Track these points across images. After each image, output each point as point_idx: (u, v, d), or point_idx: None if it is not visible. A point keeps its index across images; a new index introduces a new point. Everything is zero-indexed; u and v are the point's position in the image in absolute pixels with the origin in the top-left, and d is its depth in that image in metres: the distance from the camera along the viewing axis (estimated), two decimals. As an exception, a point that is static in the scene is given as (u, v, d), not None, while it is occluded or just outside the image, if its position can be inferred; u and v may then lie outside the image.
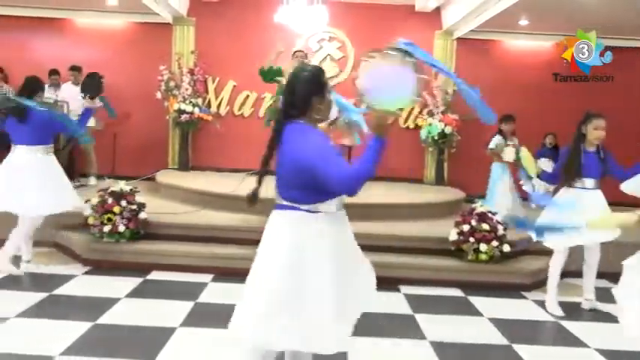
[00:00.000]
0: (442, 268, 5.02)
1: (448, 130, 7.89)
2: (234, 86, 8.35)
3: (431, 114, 8.08)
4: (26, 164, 4.50)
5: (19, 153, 4.53)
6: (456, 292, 4.83)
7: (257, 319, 2.19)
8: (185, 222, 5.31)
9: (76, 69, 7.35)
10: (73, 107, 6.94)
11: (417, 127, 8.31)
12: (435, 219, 6.04)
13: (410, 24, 8.39)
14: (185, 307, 4.07)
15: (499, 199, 5.83)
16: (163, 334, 3.55)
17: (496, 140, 5.90)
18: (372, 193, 6.72)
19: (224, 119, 8.30)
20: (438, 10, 8.35)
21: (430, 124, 7.99)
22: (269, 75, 5.70)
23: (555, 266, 4.47)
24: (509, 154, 5.64)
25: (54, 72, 7.42)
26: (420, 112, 8.30)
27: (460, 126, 7.94)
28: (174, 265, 4.88)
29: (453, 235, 5.05)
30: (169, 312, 3.95)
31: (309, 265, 2.20)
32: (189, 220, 5.38)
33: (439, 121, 7.94)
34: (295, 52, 6.16)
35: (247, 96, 8.34)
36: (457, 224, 5.10)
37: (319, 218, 2.25)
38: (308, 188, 2.20)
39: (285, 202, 2.28)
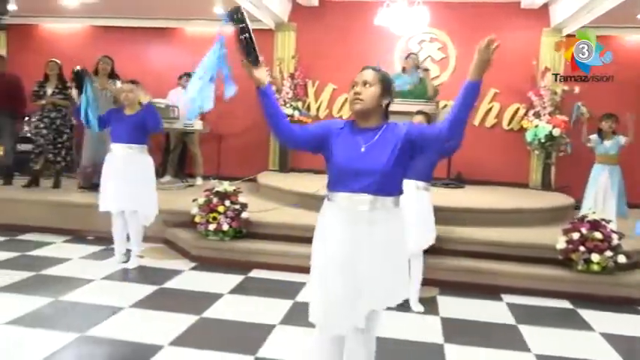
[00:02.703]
0: (549, 278, 4.76)
1: (556, 132, 7.48)
2: (334, 89, 8.44)
3: (537, 115, 7.71)
4: (123, 162, 4.78)
5: (116, 151, 4.83)
6: (564, 304, 4.56)
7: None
8: (285, 222, 5.44)
9: (188, 75, 7.75)
10: (183, 112, 7.33)
11: (522, 129, 7.95)
12: (540, 225, 5.75)
13: (515, 22, 8.07)
14: (284, 305, 4.16)
15: (589, 202, 5.66)
16: (264, 331, 3.65)
17: (592, 138, 5.80)
18: (474, 198, 6.53)
19: (323, 122, 8.40)
20: (545, 7, 7.95)
21: (536, 126, 7.61)
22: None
23: None
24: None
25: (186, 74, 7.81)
26: (526, 114, 7.95)
27: (569, 128, 7.51)
28: (274, 264, 5.01)
29: (561, 244, 4.77)
30: (269, 309, 4.06)
31: (318, 248, 2.44)
32: (289, 220, 5.49)
33: (546, 122, 7.55)
34: (409, 54, 6.17)
35: (346, 99, 8.39)
36: (566, 232, 4.82)
37: (331, 207, 2.38)
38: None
39: None
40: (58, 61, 7.02)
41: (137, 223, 4.93)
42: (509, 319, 4.17)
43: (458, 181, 7.54)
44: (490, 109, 8.14)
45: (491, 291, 4.71)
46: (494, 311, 4.32)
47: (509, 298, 4.60)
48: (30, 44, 9.01)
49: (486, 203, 6.13)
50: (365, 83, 2.31)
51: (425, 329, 3.87)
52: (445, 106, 7.72)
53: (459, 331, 3.88)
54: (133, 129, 4.78)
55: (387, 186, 2.29)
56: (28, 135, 7.21)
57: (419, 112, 4.35)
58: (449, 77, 8.11)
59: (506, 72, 7.95)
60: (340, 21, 8.33)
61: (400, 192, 2.37)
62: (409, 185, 4.18)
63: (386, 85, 2.35)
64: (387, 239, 2.31)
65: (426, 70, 5.95)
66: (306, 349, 2.91)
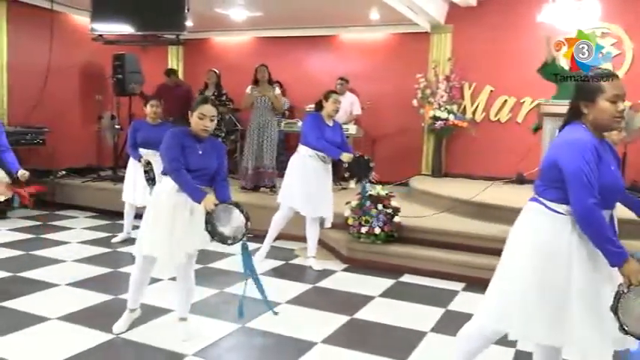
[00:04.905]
0: None
1: None
2: (491, 91, 8.08)
3: None
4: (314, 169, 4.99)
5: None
6: None
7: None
8: (437, 228, 5.33)
9: (343, 79, 7.97)
10: (338, 115, 7.50)
11: None
12: None
13: None
14: (436, 312, 4.08)
15: None
16: (414, 337, 3.61)
17: None
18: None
19: (479, 125, 8.10)
20: None
21: None
22: (550, 71, 5.22)
23: None
24: None
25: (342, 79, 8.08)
26: None
27: None
28: (426, 270, 4.93)
29: None
30: (420, 315, 4.00)
31: (547, 263, 2.24)
32: (441, 226, 5.37)
33: None
34: None
35: (505, 101, 8.00)
36: None
37: (558, 219, 2.23)
38: (552, 184, 2.26)
39: (534, 195, 2.36)
40: (216, 70, 7.62)
41: (317, 228, 5.16)
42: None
43: (635, 190, 6.80)
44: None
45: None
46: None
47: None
48: (202, 56, 9.87)
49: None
50: (624, 99, 2.21)
51: None
52: (631, 106, 6.93)
53: None
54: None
55: None
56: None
57: None
58: (624, 75, 7.34)
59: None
60: (499, 20, 7.96)
61: None
62: None
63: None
64: None
65: None
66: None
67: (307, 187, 4.96)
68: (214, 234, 3.06)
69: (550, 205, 2.26)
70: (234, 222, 3.07)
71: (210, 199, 3.09)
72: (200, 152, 3.25)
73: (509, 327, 2.32)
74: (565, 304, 2.20)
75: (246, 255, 3.16)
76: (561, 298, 2.20)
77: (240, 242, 3.11)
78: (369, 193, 5.26)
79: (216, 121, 3.29)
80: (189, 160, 3.20)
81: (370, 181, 5.09)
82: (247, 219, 3.05)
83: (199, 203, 3.09)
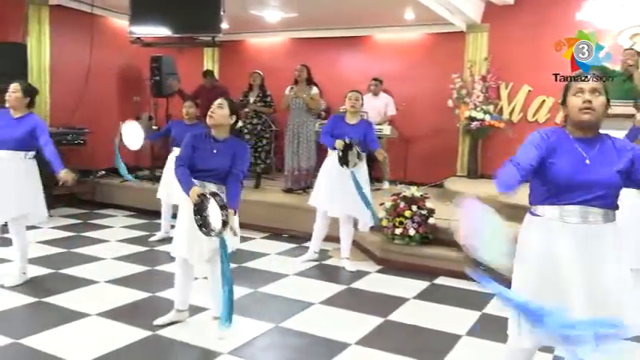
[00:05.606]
0: None
1: None
2: (529, 91, 7.93)
3: None
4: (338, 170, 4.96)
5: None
6: None
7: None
8: (473, 230, 5.25)
9: (377, 80, 7.93)
10: (372, 116, 7.50)
11: None
12: None
13: None
14: (471, 316, 4.02)
15: None
16: (449, 340, 3.57)
17: None
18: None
19: (516, 126, 7.95)
20: None
21: None
22: None
23: None
24: None
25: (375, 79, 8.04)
26: None
27: None
28: (461, 273, 4.85)
29: None
30: (455, 319, 3.96)
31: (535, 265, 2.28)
32: (478, 228, 5.29)
33: None
34: (625, 50, 5.61)
35: (543, 101, 7.83)
36: None
37: (533, 220, 2.31)
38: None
39: None
40: (260, 72, 7.67)
41: (351, 229, 5.16)
42: None
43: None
44: None
45: None
46: None
47: None
48: (237, 58, 9.98)
49: None
50: (594, 91, 2.20)
51: None
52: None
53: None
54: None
55: (609, 199, 2.23)
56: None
57: None
58: None
59: None
60: (537, 18, 7.79)
61: (616, 207, 2.27)
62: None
63: (608, 94, 2.25)
64: (615, 252, 2.24)
65: (631, 65, 5.29)
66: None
67: (330, 187, 4.99)
68: (205, 226, 3.15)
69: (531, 208, 2.36)
70: (214, 213, 3.14)
71: (195, 191, 3.20)
72: (214, 151, 3.41)
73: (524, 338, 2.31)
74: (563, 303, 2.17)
75: (224, 251, 3.20)
76: (557, 296, 2.18)
77: (219, 237, 3.17)
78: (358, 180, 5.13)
79: (226, 110, 3.43)
80: (199, 160, 3.38)
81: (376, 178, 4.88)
82: (222, 207, 3.09)
83: (188, 196, 3.24)
